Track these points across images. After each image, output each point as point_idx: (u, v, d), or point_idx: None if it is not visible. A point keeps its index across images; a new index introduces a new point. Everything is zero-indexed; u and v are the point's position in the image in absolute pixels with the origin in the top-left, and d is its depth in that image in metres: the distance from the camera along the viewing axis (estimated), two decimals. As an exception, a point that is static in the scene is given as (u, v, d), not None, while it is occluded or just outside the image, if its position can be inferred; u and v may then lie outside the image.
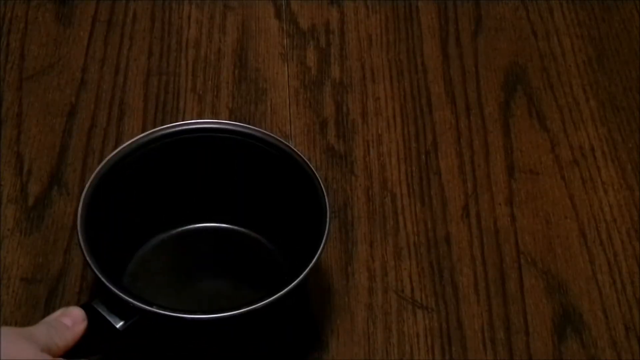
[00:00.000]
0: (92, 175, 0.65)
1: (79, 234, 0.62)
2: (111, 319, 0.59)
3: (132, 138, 0.67)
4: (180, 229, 0.71)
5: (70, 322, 0.57)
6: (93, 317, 0.59)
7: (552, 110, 0.82)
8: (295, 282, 0.60)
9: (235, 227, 0.71)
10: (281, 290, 0.60)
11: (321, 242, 0.62)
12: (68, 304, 0.67)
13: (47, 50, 0.83)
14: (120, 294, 0.59)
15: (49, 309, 0.67)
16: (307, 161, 0.66)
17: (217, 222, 0.71)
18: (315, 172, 0.66)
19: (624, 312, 0.70)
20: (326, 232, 0.63)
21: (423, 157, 0.78)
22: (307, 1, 0.89)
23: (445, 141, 0.79)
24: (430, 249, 0.73)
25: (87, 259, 0.61)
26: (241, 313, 0.59)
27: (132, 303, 0.59)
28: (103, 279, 0.60)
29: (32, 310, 0.67)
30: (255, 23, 0.87)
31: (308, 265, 0.61)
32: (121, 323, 0.60)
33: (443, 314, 0.70)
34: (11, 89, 0.80)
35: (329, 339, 0.68)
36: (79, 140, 0.77)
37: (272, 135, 0.68)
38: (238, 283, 0.68)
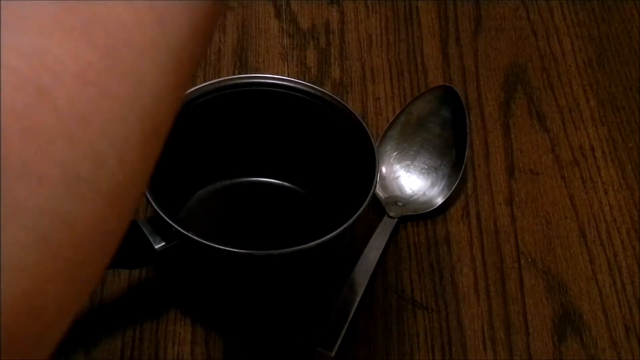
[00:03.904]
0: None
1: None
2: (152, 238, 0.62)
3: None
4: (243, 180, 0.74)
5: None
6: (135, 234, 0.62)
7: (552, 110, 0.82)
8: (333, 234, 0.63)
9: (295, 187, 0.74)
10: (314, 240, 0.62)
11: (367, 197, 0.64)
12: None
13: (47, 50, 0.83)
14: (163, 215, 0.62)
15: (49, 309, 0.67)
16: (361, 120, 0.69)
17: (276, 179, 0.74)
18: (366, 129, 0.68)
19: (624, 312, 0.70)
20: (373, 188, 0.65)
21: (423, 157, 0.78)
22: (307, 1, 0.89)
23: (445, 141, 0.79)
24: (430, 249, 0.73)
25: None
26: (271, 254, 0.62)
27: (172, 226, 0.62)
28: (150, 198, 0.62)
29: (32, 310, 0.67)
30: (255, 23, 0.87)
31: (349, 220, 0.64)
32: (160, 244, 0.62)
33: (443, 314, 0.70)
34: (11, 89, 0.80)
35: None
36: (79, 141, 0.77)
37: (330, 93, 0.71)
38: (286, 239, 0.71)
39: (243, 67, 0.83)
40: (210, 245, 0.61)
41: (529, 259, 0.73)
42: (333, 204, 0.72)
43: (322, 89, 0.71)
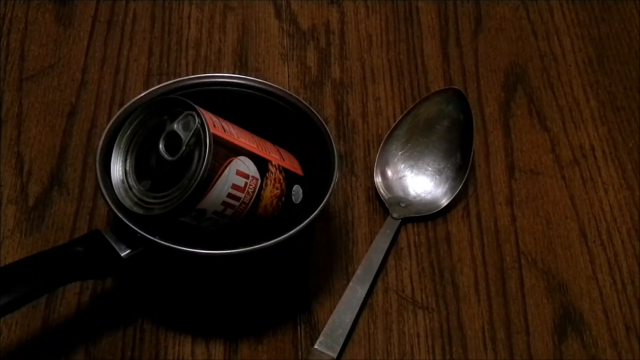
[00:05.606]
0: (114, 117, 0.67)
1: (97, 167, 0.64)
2: (117, 246, 0.62)
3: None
4: None
5: None
6: (100, 244, 0.62)
7: (553, 110, 0.82)
8: (299, 227, 0.63)
9: None
10: (281, 236, 0.63)
11: (328, 191, 0.65)
12: (69, 305, 0.68)
13: (47, 50, 0.83)
14: (127, 221, 0.62)
15: (49, 310, 0.67)
16: (322, 120, 0.69)
17: None
18: (327, 130, 0.69)
19: (624, 312, 0.70)
20: (332, 184, 0.66)
21: (423, 157, 0.78)
22: (307, 1, 0.89)
23: (446, 141, 0.79)
24: (431, 249, 0.73)
25: (100, 185, 0.63)
26: (240, 252, 0.62)
27: (137, 232, 0.61)
28: (112, 207, 0.62)
29: (32, 311, 0.67)
30: (255, 23, 0.87)
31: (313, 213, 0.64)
32: (126, 252, 0.62)
33: (443, 314, 0.70)
34: (11, 89, 0.80)
35: (330, 339, 0.68)
36: (79, 141, 0.77)
37: (291, 93, 0.71)
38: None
39: (243, 67, 0.83)
40: (176, 248, 0.61)
41: (529, 259, 0.73)
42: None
43: (281, 86, 0.71)
